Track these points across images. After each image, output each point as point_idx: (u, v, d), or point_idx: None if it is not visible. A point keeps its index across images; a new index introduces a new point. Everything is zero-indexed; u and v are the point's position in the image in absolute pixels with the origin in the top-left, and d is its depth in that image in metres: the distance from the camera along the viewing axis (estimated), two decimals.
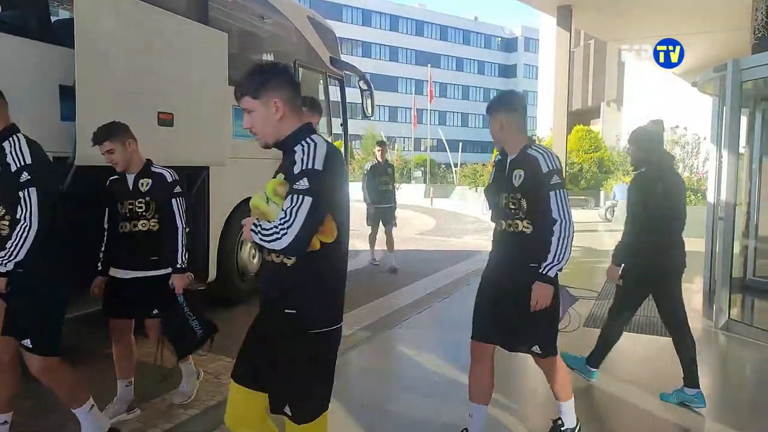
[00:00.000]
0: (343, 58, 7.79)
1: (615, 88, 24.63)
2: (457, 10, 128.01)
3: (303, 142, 1.87)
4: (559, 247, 2.58)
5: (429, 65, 36.27)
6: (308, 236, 1.77)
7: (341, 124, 7.62)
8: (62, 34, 3.74)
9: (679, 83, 18.26)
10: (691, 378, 3.45)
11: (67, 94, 3.65)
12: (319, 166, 1.79)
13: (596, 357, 3.77)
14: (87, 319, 4.36)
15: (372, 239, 8.35)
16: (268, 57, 6.45)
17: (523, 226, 2.68)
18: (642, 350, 4.81)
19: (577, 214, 15.59)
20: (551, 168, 2.60)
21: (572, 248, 2.58)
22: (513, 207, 2.70)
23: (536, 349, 2.78)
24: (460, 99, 67.56)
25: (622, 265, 3.57)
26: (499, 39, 71.65)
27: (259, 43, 6.29)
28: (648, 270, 3.48)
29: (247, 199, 6.22)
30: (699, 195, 12.28)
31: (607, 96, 25.68)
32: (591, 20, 14.23)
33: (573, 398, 2.97)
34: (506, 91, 2.91)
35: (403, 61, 62.70)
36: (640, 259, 3.47)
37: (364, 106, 7.89)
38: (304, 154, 1.81)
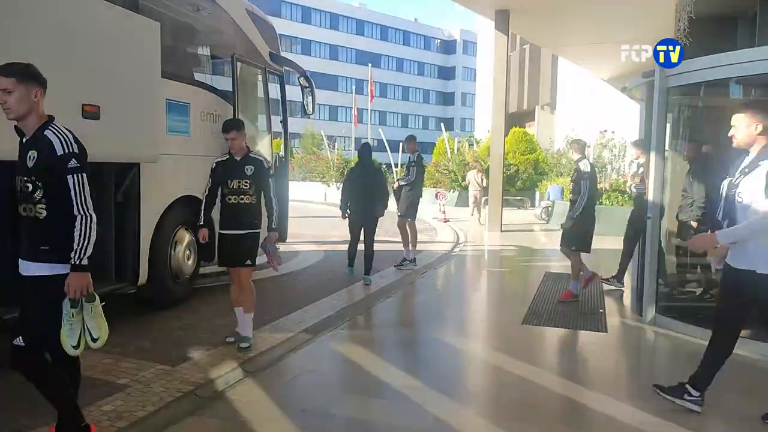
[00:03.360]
0: (283, 55, 7.61)
1: (549, 92, 25.60)
2: (396, 10, 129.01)
3: None
4: None
5: (369, 65, 36.30)
6: None
7: (281, 122, 7.45)
8: None
9: (608, 90, 19.18)
10: (370, 268, 6.98)
11: None
12: None
13: (350, 260, 7.29)
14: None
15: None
16: (204, 49, 6.20)
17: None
18: (562, 342, 4.97)
19: (514, 215, 16.07)
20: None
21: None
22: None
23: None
24: (400, 99, 68.06)
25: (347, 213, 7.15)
26: (438, 41, 72.73)
27: (194, 35, 6.03)
28: (357, 216, 7.04)
29: (183, 198, 5.91)
30: (626, 196, 12.86)
31: (541, 100, 26.64)
32: (526, 25, 14.65)
33: None
34: None
35: (343, 60, 62.46)
36: (353, 211, 7.06)
37: (305, 103, 7.74)
38: None
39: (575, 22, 13.65)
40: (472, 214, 14.76)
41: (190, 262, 5.72)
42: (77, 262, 2.51)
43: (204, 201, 4.53)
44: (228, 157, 4.46)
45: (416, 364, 4.44)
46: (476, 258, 9.98)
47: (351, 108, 37.10)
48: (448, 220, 14.25)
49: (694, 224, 5.96)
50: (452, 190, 20.06)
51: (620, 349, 4.94)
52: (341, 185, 7.14)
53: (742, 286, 3.16)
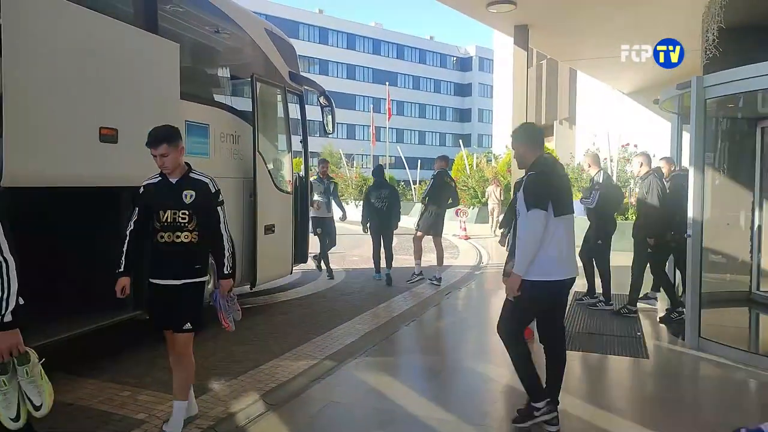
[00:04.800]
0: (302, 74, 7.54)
1: (567, 107, 25.27)
2: (412, 29, 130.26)
3: None
4: None
5: (387, 83, 36.43)
6: None
7: (300, 141, 7.35)
8: None
9: (629, 102, 18.83)
10: (390, 264, 8.18)
11: None
12: None
13: (376, 266, 8.30)
14: None
15: None
16: (224, 70, 6.13)
17: None
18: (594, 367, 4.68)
19: None
20: None
21: None
22: None
23: None
24: (417, 117, 68.14)
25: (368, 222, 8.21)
26: (455, 58, 72.87)
27: (213, 55, 5.97)
28: (377, 230, 8.11)
29: None
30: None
31: (559, 114, 26.31)
32: (545, 40, 14.47)
33: None
34: None
35: (360, 79, 62.87)
36: (373, 225, 8.08)
37: (325, 122, 7.66)
38: None
39: (595, 36, 13.43)
40: (492, 229, 14.72)
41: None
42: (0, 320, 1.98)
43: (127, 239, 3.20)
44: (159, 178, 3.21)
45: (447, 395, 4.19)
46: (501, 277, 9.69)
47: (369, 126, 37.19)
48: (470, 237, 14.02)
49: (651, 241, 5.91)
50: (472, 207, 19.81)
51: (668, 378, 4.59)
52: (361, 204, 8.39)
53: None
